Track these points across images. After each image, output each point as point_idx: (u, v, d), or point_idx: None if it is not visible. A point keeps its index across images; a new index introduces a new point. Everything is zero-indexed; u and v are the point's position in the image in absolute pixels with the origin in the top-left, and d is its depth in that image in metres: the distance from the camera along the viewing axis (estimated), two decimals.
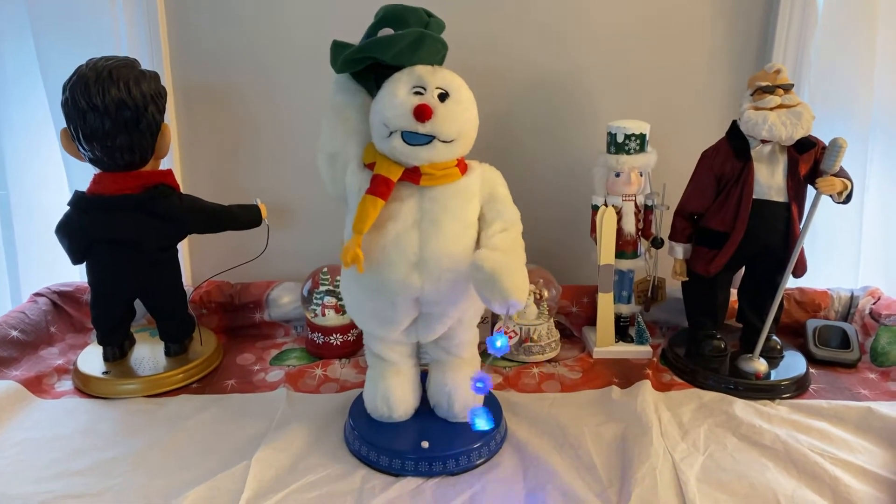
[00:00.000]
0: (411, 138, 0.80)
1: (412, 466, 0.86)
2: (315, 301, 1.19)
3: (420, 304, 0.86)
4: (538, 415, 0.99)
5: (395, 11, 0.84)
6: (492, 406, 0.97)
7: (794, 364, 1.11)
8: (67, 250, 1.05)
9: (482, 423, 0.82)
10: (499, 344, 0.77)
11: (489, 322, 1.22)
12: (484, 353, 0.94)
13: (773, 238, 1.06)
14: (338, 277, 1.19)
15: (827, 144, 1.00)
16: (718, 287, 1.14)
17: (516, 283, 0.77)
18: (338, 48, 0.86)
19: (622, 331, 1.21)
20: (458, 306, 0.87)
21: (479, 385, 0.79)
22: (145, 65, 1.05)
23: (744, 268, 1.15)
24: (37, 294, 1.24)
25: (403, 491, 0.83)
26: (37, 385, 1.06)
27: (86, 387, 1.05)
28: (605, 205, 1.14)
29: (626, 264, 1.17)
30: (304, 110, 1.29)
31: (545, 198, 1.32)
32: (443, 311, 0.87)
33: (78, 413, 1.00)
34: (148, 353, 1.13)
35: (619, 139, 1.12)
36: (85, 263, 1.07)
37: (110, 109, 0.96)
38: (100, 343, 1.11)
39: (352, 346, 1.18)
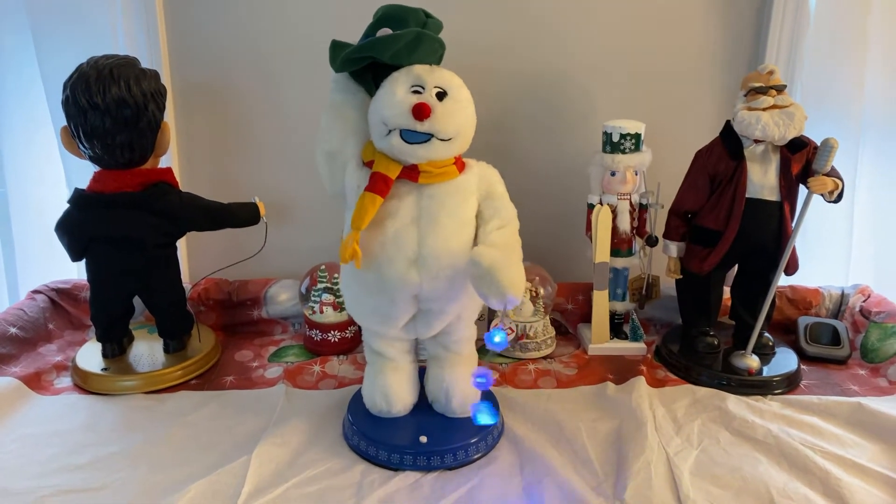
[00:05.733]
0: (410, 136, 0.81)
1: (411, 461, 0.87)
2: (313, 298, 1.20)
3: (419, 300, 0.87)
4: (534, 410, 1.00)
5: (394, 11, 0.85)
6: (489, 402, 0.98)
7: (785, 360, 1.12)
8: (67, 247, 1.06)
9: (485, 418, 0.83)
10: (497, 339, 0.79)
11: (486, 319, 1.23)
12: (482, 349, 0.95)
13: (766, 236, 1.07)
14: (336, 275, 1.19)
15: (819, 144, 1.01)
16: (712, 285, 1.15)
17: (513, 279, 0.78)
18: (337, 48, 0.87)
19: (617, 328, 1.22)
20: (457, 303, 0.88)
21: (479, 380, 0.80)
22: (144, 63, 1.05)
23: (737, 266, 1.16)
24: (35, 291, 1.25)
25: (402, 485, 0.84)
26: (36, 381, 1.06)
27: (85, 383, 1.06)
28: (601, 203, 1.16)
29: (620, 262, 1.19)
30: (303, 108, 1.29)
31: (541, 196, 1.33)
32: (441, 307, 0.88)
33: (77, 409, 1.00)
34: (146, 350, 1.14)
35: (615, 138, 1.13)
36: (84, 261, 1.07)
37: (111, 107, 0.97)
38: (99, 340, 1.12)
39: (349, 342, 1.19)
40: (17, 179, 1.30)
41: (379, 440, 0.88)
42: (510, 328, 1.17)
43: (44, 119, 1.24)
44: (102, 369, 1.07)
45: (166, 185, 1.05)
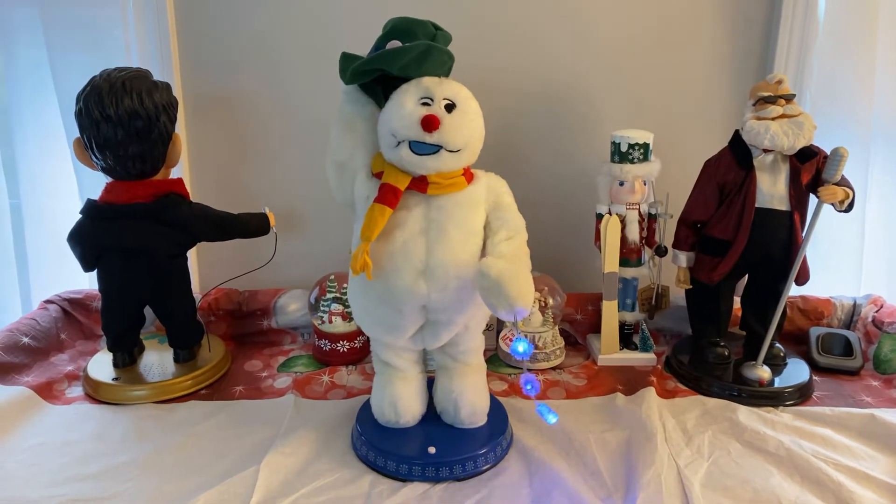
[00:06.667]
0: (419, 148, 0.81)
1: (419, 472, 0.87)
2: (322, 308, 1.20)
3: (426, 311, 0.87)
4: (544, 421, 0.98)
5: (403, 24, 0.86)
6: (498, 412, 0.98)
7: (797, 371, 1.11)
8: (79, 258, 1.07)
9: (552, 417, 0.82)
10: (521, 349, 0.79)
11: (494, 330, 1.23)
12: (492, 359, 0.95)
13: (776, 246, 1.07)
14: (345, 285, 1.20)
15: (828, 154, 1.01)
16: (722, 295, 1.15)
17: (521, 290, 0.78)
18: (347, 60, 0.87)
19: (626, 338, 1.22)
20: (464, 313, 0.88)
21: (528, 388, 0.80)
22: (156, 75, 1.06)
23: (747, 276, 1.16)
24: (47, 301, 1.26)
25: (411, 496, 0.84)
26: (48, 391, 1.07)
27: (96, 393, 1.06)
28: (609, 213, 1.16)
29: (630, 272, 1.18)
30: (313, 119, 1.30)
31: (550, 206, 1.33)
32: (449, 318, 0.88)
33: (88, 419, 1.01)
34: (157, 360, 1.14)
35: (623, 148, 1.13)
36: (96, 271, 1.08)
37: (123, 119, 0.98)
38: (110, 349, 1.12)
39: (358, 352, 1.19)
40: (31, 190, 1.32)
41: (387, 451, 0.88)
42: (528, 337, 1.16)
43: (58, 131, 1.26)
44: (113, 379, 1.08)
45: (177, 196, 1.06)
